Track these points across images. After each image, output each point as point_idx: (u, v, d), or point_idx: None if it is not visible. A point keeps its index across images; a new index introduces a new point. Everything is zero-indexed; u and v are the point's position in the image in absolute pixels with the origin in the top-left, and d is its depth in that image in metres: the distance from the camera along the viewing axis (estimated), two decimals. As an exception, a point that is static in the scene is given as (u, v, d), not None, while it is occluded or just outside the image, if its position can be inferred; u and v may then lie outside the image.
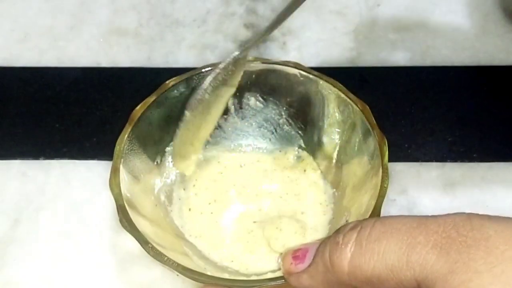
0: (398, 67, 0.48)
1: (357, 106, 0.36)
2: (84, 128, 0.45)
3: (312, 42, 0.49)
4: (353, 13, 0.51)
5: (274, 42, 0.49)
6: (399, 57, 0.48)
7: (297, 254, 0.29)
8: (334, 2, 0.52)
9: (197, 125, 0.37)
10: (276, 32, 0.50)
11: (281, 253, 0.34)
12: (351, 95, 0.37)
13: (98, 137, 0.44)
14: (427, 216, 0.25)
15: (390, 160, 0.42)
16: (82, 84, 0.47)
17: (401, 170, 0.42)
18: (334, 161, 0.39)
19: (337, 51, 0.49)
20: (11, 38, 0.50)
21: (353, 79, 0.47)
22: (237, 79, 0.37)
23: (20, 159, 0.43)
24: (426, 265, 0.23)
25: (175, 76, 0.38)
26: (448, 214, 0.25)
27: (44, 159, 0.43)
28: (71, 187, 0.42)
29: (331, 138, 0.39)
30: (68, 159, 0.43)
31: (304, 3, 0.33)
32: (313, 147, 0.40)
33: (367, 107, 0.36)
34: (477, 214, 0.24)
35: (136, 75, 0.48)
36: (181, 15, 0.51)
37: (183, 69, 0.39)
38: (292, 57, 0.48)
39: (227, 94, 0.37)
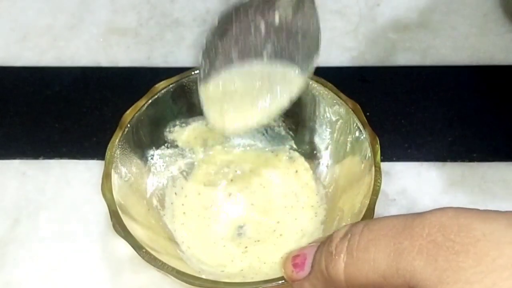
0: (398, 67, 0.48)
1: (348, 105, 0.36)
2: (84, 128, 0.45)
3: (312, 42, 0.49)
4: (353, 13, 0.51)
5: (274, 42, 0.49)
6: (399, 57, 0.48)
7: (296, 261, 0.29)
8: (334, 2, 0.51)
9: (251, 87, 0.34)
10: (276, 32, 0.50)
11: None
12: (342, 95, 0.36)
13: (98, 137, 0.44)
14: (414, 216, 0.24)
15: (390, 160, 0.42)
16: (82, 83, 0.47)
17: (401, 170, 0.42)
18: (326, 161, 0.39)
19: (337, 51, 0.49)
20: (11, 38, 0.50)
21: (353, 79, 0.47)
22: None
23: (19, 159, 0.43)
24: (415, 272, 0.23)
25: (174, 75, 0.38)
26: (435, 212, 0.24)
27: (43, 159, 0.43)
28: (70, 187, 0.42)
29: (323, 138, 0.39)
30: (68, 159, 0.43)
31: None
32: (305, 147, 0.40)
33: (358, 106, 0.36)
34: (465, 210, 0.24)
35: (136, 75, 0.48)
36: (181, 15, 0.51)
37: (183, 69, 0.38)
38: (292, 57, 0.48)
39: (297, 81, 0.35)
